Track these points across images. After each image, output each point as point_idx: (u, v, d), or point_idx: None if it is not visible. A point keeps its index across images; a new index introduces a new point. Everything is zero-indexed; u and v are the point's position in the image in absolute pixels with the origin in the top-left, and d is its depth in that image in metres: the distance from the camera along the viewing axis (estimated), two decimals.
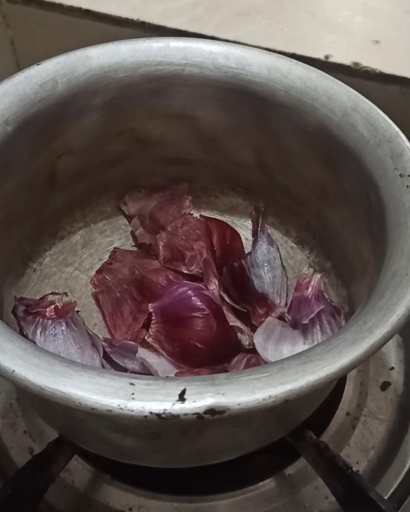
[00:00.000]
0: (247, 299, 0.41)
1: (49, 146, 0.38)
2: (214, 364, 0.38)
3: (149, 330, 0.39)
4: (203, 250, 0.43)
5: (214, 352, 0.38)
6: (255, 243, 0.44)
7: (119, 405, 0.24)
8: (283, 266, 0.43)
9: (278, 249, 0.44)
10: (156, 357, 0.38)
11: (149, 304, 0.40)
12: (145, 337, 0.39)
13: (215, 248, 0.43)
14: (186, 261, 0.43)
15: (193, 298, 0.39)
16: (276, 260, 0.43)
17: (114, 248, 0.45)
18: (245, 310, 0.41)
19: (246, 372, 0.26)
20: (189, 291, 0.40)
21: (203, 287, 0.41)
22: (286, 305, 0.42)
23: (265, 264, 0.43)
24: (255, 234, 0.44)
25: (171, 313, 0.39)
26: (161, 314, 0.39)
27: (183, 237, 0.44)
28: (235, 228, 0.45)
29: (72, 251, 0.45)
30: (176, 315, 0.39)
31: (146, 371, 0.38)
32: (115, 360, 0.39)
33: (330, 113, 0.36)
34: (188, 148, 0.43)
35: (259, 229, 0.44)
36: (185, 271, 0.43)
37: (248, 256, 0.43)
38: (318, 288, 0.41)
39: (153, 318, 0.39)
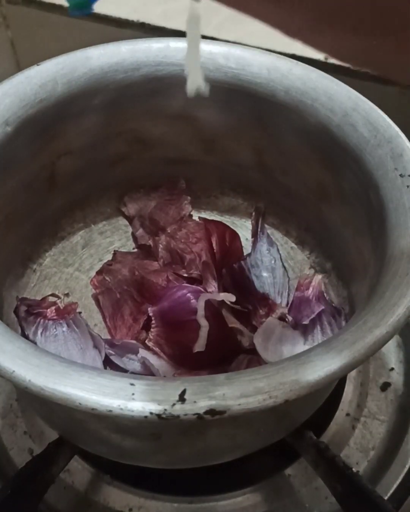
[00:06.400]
0: (248, 299, 0.41)
1: (49, 146, 0.38)
2: (214, 366, 0.38)
3: (150, 334, 0.39)
4: (202, 252, 0.43)
5: (213, 354, 0.38)
6: (254, 243, 0.44)
7: (119, 405, 0.24)
8: (284, 267, 0.43)
9: (278, 250, 0.44)
10: (157, 359, 0.38)
11: (149, 308, 0.40)
12: (146, 341, 0.39)
13: (214, 251, 0.43)
14: (185, 264, 0.43)
15: (192, 301, 0.39)
16: (276, 260, 0.43)
17: (114, 250, 0.45)
18: (246, 310, 0.41)
19: (246, 372, 0.26)
20: (189, 294, 0.40)
21: (202, 289, 0.41)
22: (287, 305, 0.42)
23: (266, 265, 0.43)
24: (254, 234, 0.44)
25: (170, 317, 0.39)
26: (161, 318, 0.39)
27: (182, 240, 0.44)
28: (235, 229, 0.45)
29: (72, 252, 0.45)
30: (176, 318, 0.39)
31: (146, 372, 0.38)
32: (116, 361, 0.39)
33: (330, 113, 0.36)
34: (188, 149, 0.43)
35: (259, 230, 0.44)
36: (185, 274, 0.43)
37: (248, 257, 0.43)
38: (318, 288, 0.41)
39: (153, 322, 0.39)
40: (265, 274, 0.43)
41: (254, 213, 0.45)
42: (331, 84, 0.36)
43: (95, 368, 0.27)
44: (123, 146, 0.42)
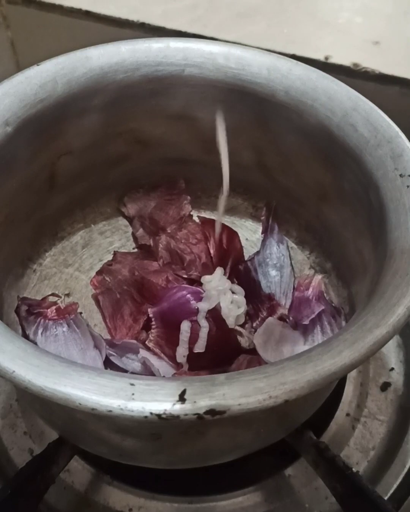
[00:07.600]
0: (251, 300, 0.41)
1: (49, 146, 0.38)
2: (215, 367, 0.38)
3: (150, 335, 0.39)
4: (202, 254, 0.43)
5: (213, 355, 0.38)
6: (264, 241, 0.44)
7: (119, 405, 0.24)
8: (292, 265, 0.43)
9: (287, 247, 0.44)
10: (158, 360, 0.38)
11: (149, 309, 0.40)
12: (146, 342, 0.39)
13: (212, 253, 0.43)
14: (185, 265, 0.43)
15: (192, 302, 0.39)
16: (285, 258, 0.43)
17: (114, 250, 0.45)
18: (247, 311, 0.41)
19: (246, 372, 0.26)
20: (188, 295, 0.40)
21: (202, 290, 0.41)
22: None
23: (274, 262, 0.43)
24: (264, 231, 0.44)
25: (170, 318, 0.39)
26: (161, 319, 0.39)
27: (182, 241, 0.44)
28: (235, 229, 0.45)
29: (72, 252, 0.45)
30: (176, 319, 0.39)
31: (146, 372, 0.38)
32: (115, 362, 0.39)
33: (330, 113, 0.36)
34: (188, 149, 0.43)
35: (269, 226, 0.44)
36: (184, 275, 0.43)
37: (255, 256, 0.43)
38: (318, 288, 0.41)
39: (153, 323, 0.39)
40: (273, 272, 0.42)
41: (264, 209, 0.45)
42: (331, 84, 0.36)
43: (95, 368, 0.27)
44: (123, 146, 0.42)
